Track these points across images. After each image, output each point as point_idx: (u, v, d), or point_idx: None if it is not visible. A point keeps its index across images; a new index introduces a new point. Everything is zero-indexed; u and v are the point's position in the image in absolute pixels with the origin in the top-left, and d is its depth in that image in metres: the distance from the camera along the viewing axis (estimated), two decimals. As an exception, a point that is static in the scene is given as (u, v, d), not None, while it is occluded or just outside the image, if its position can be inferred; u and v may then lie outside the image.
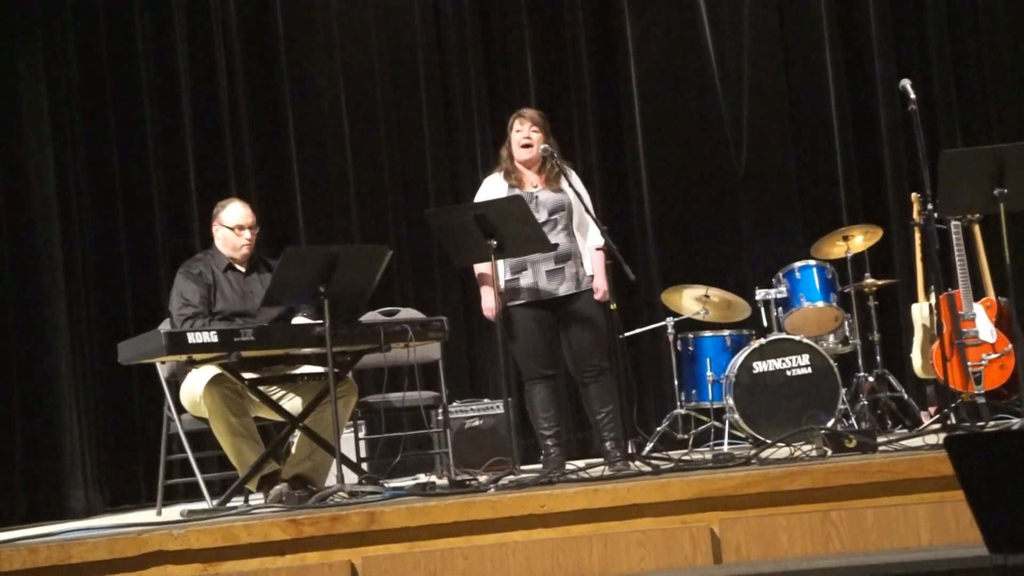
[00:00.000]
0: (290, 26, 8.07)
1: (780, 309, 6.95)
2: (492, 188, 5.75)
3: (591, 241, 5.71)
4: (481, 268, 5.65)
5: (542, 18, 8.42)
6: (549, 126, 5.78)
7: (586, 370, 5.61)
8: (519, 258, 5.56)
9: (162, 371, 5.71)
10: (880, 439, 5.21)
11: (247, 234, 5.57)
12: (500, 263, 5.58)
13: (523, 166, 5.73)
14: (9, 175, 7.15)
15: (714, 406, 6.85)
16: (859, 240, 7.13)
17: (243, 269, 5.59)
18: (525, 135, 5.69)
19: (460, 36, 8.32)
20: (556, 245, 5.49)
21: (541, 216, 5.58)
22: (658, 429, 7.05)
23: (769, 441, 5.78)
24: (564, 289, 5.60)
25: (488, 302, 5.64)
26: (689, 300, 7.19)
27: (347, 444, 6.02)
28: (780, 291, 6.93)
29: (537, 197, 5.64)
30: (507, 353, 5.59)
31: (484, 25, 8.40)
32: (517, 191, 5.64)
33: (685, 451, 6.51)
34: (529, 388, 5.66)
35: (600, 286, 5.62)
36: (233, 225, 5.57)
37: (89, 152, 7.47)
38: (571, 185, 5.63)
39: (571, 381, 5.80)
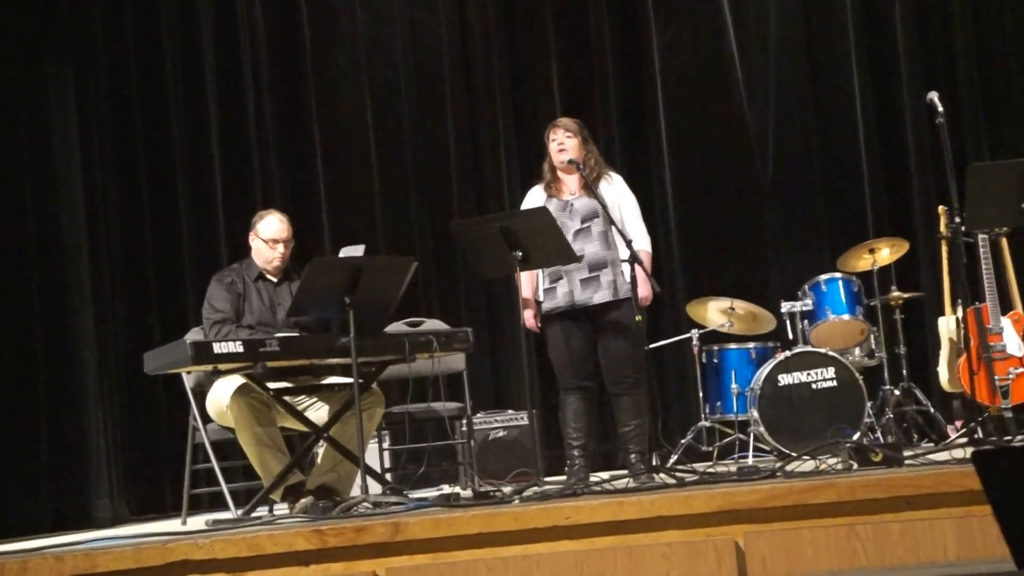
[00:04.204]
0: (317, 40, 8.11)
1: (806, 322, 6.92)
2: (532, 200, 5.76)
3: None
4: (521, 287, 5.53)
5: (568, 30, 8.43)
6: (586, 131, 5.77)
7: (620, 381, 5.58)
8: (554, 267, 5.55)
9: (187, 381, 5.75)
10: (906, 453, 5.17)
11: (281, 248, 5.61)
12: (539, 272, 5.59)
13: (563, 174, 5.72)
14: (37, 186, 7.21)
15: (739, 418, 6.83)
16: (885, 253, 7.09)
17: (275, 279, 5.64)
18: (559, 141, 5.68)
19: (486, 48, 8.34)
20: (582, 256, 5.47)
21: (575, 223, 5.58)
22: (683, 441, 7.03)
23: (794, 454, 5.75)
24: (600, 297, 5.56)
25: (523, 317, 5.58)
26: (714, 312, 7.17)
27: (372, 455, 6.03)
28: (806, 304, 6.90)
29: (572, 204, 5.64)
30: (532, 364, 5.56)
31: (510, 37, 8.42)
32: (555, 200, 5.65)
33: (710, 463, 6.48)
34: (563, 397, 5.66)
35: (639, 293, 5.39)
36: (268, 238, 5.61)
37: (116, 164, 7.53)
38: (598, 193, 5.55)
39: (603, 392, 5.77)
